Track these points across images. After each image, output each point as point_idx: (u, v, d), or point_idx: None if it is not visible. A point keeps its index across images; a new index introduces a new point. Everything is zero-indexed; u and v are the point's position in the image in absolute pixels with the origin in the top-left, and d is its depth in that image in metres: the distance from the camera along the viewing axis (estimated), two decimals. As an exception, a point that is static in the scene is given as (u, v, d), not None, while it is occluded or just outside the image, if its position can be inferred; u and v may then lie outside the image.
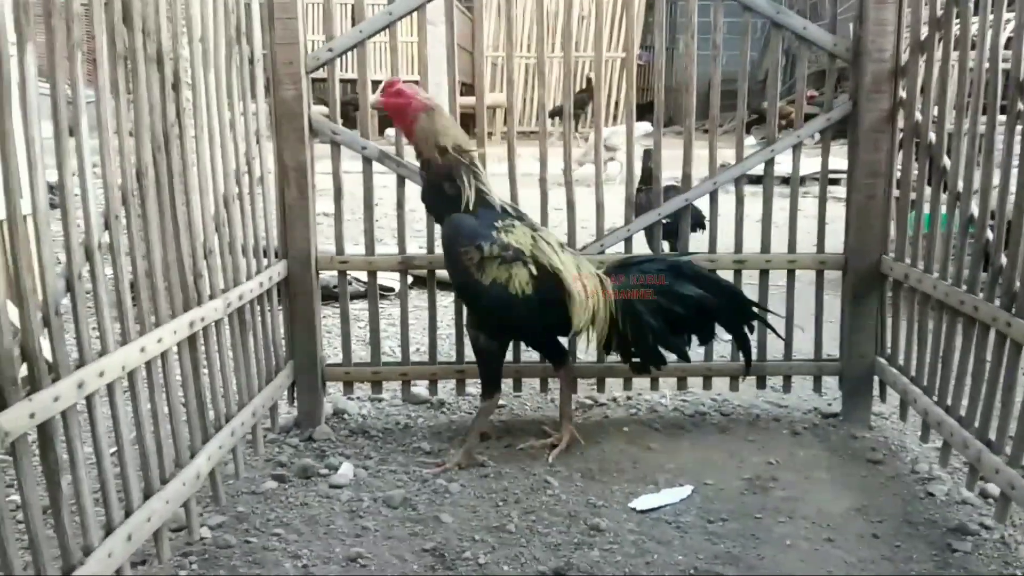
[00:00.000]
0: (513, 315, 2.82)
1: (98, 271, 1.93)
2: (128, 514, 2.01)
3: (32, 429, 1.66)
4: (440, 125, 2.80)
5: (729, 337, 3.45)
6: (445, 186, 2.82)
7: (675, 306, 2.91)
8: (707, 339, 3.11)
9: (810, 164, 3.81)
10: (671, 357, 3.03)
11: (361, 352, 3.84)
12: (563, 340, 3.08)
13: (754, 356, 3.37)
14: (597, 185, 3.26)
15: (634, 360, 3.06)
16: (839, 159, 3.38)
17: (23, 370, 1.66)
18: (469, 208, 2.80)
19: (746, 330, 3.06)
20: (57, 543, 1.76)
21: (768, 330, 3.33)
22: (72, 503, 1.81)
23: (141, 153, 2.12)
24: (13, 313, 2.01)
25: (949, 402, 2.66)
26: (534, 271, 2.79)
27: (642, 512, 2.59)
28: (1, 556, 1.58)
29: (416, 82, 2.97)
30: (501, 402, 3.47)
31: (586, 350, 3.13)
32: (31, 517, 1.66)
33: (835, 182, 4.59)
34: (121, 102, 2.03)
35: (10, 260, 1.70)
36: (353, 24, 3.10)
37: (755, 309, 3.09)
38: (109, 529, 1.93)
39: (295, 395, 3.27)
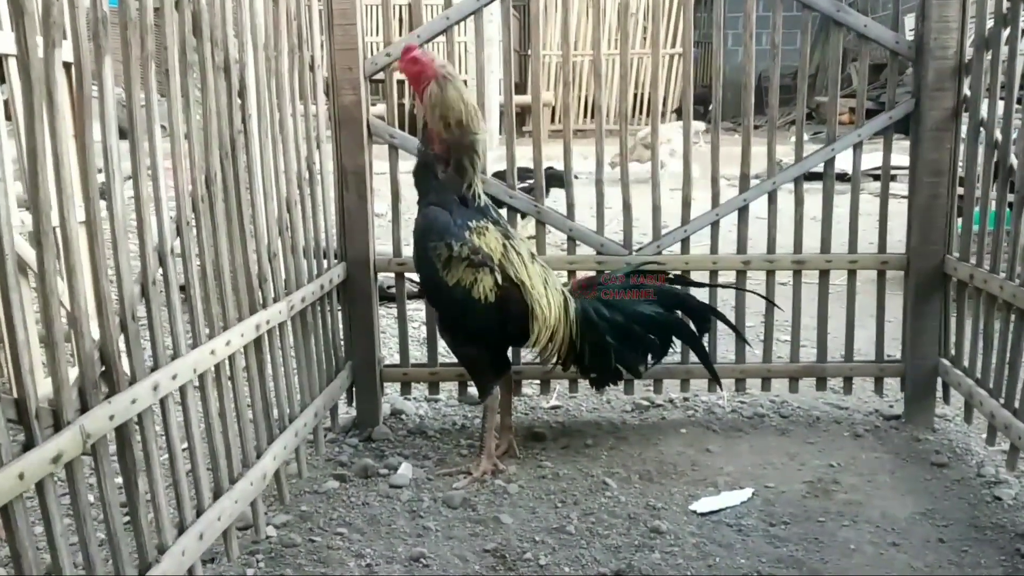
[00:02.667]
0: (473, 320, 2.78)
1: (171, 276, 1.97)
2: (200, 513, 2.05)
3: (111, 431, 1.71)
4: (450, 96, 2.70)
5: (787, 338, 3.43)
6: (438, 168, 2.76)
7: (634, 325, 2.90)
8: (664, 353, 3.06)
9: (866, 159, 3.76)
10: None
11: (416, 353, 3.87)
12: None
13: (814, 356, 3.36)
14: (654, 185, 3.26)
15: (592, 376, 3.03)
16: (896, 154, 3.33)
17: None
18: (470, 195, 2.77)
19: (704, 342, 3.07)
20: (134, 541, 1.81)
21: (827, 330, 3.30)
22: (147, 500, 1.86)
23: (210, 160, 2.17)
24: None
25: (1017, 405, 2.61)
26: (500, 280, 2.75)
27: (702, 515, 2.58)
28: (83, 553, 1.63)
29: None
30: (557, 403, 3.50)
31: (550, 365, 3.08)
32: (110, 516, 1.71)
33: (892, 178, 4.52)
34: (191, 110, 2.07)
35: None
36: (411, 28, 3.14)
37: (712, 316, 3.08)
38: (182, 528, 1.98)
39: (354, 396, 3.31)
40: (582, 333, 2.88)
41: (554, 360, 2.96)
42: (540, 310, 2.80)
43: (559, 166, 3.31)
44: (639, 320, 2.91)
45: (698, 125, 6.45)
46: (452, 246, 2.72)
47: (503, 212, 3.16)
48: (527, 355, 3.36)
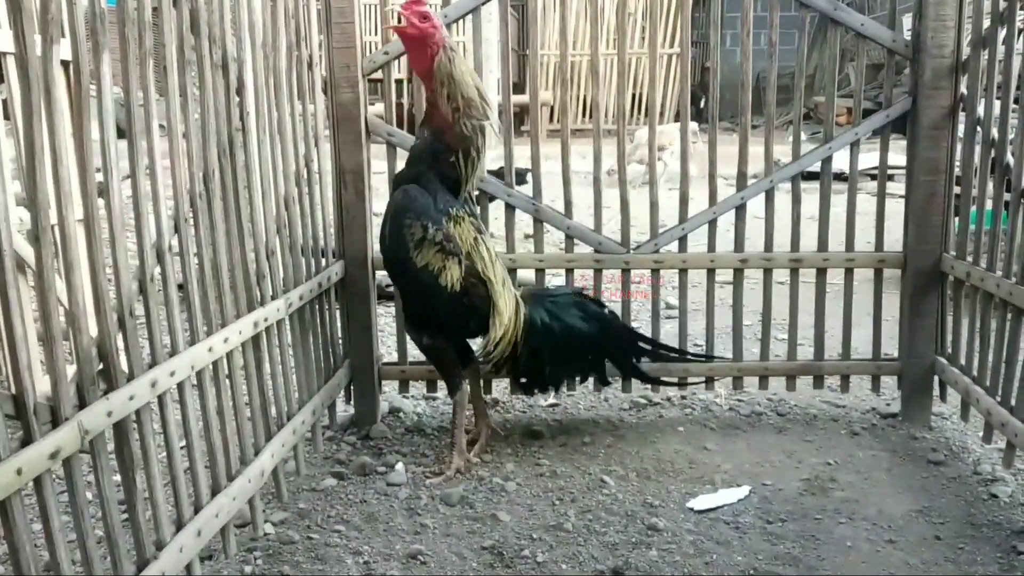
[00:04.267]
0: (439, 308, 2.78)
1: (169, 273, 1.98)
2: (197, 510, 2.06)
3: (109, 427, 1.72)
4: (459, 71, 2.60)
5: (785, 336, 3.44)
6: (442, 159, 2.72)
7: (570, 341, 2.95)
8: (599, 375, 3.16)
9: (863, 159, 3.76)
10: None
11: (414, 351, 3.87)
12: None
13: (811, 355, 3.36)
14: (651, 183, 3.26)
15: (521, 380, 3.09)
16: (893, 153, 3.34)
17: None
18: (466, 194, 2.80)
19: (634, 364, 3.18)
20: (132, 538, 1.82)
21: (824, 328, 3.30)
22: (145, 497, 1.86)
23: (208, 157, 2.17)
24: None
25: (1014, 402, 2.61)
26: (465, 272, 2.76)
27: (700, 512, 2.59)
28: (81, 550, 1.64)
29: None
30: (554, 401, 3.50)
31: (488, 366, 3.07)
32: (108, 512, 1.71)
33: (889, 177, 4.54)
34: (189, 108, 2.08)
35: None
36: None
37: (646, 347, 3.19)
38: (180, 525, 1.98)
39: (352, 393, 3.31)
40: (525, 338, 2.91)
41: (495, 360, 2.94)
42: (502, 306, 2.82)
43: (557, 165, 3.31)
44: (572, 334, 2.96)
45: (692, 125, 6.48)
46: (427, 228, 2.71)
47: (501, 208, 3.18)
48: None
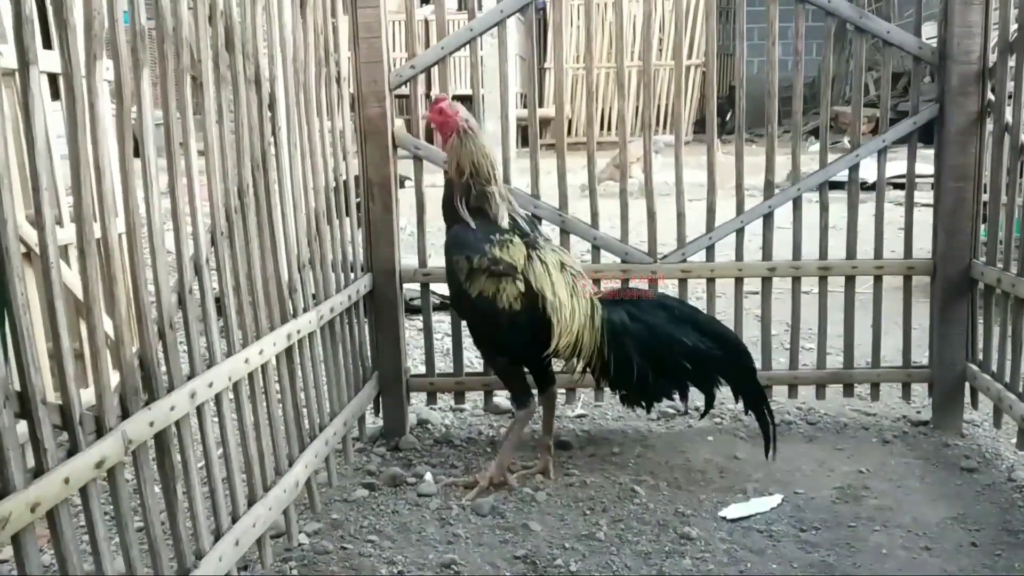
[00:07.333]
0: (498, 329, 2.81)
1: (206, 286, 2.00)
2: (235, 520, 2.07)
3: (151, 437, 1.74)
4: (467, 149, 2.81)
5: (813, 345, 3.42)
6: (457, 205, 2.84)
7: (665, 350, 2.83)
8: (708, 390, 2.94)
9: (889, 168, 3.74)
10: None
11: (441, 363, 3.88)
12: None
13: (840, 363, 3.34)
14: (678, 193, 3.27)
15: (621, 392, 2.99)
16: (918, 162, 3.33)
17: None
18: (512, 218, 2.85)
19: (753, 391, 2.92)
20: (173, 547, 1.84)
21: (853, 336, 3.29)
22: (185, 507, 1.88)
23: (242, 172, 2.20)
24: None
25: (1048, 409, 2.60)
26: (522, 288, 2.77)
27: (732, 521, 2.58)
28: (124, 558, 1.66)
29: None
30: (582, 412, 3.50)
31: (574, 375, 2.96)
32: (150, 522, 1.74)
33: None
34: (224, 123, 2.11)
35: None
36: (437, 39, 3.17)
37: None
38: (218, 534, 2.00)
39: (380, 405, 3.33)
40: (608, 344, 2.85)
41: (582, 370, 2.91)
42: (557, 318, 2.80)
43: (582, 176, 3.33)
44: (668, 341, 2.84)
45: (667, 139, 6.42)
46: (472, 259, 2.76)
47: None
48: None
